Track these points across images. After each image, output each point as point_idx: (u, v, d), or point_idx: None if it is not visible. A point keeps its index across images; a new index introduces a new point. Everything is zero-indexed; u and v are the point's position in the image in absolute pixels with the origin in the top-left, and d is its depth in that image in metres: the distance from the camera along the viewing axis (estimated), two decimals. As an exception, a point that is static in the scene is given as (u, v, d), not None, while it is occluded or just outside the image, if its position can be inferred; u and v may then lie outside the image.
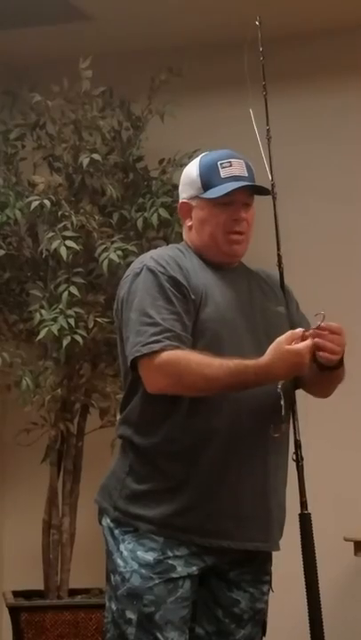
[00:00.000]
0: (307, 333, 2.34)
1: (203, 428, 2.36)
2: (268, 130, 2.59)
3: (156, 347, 2.32)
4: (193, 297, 2.39)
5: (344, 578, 4.39)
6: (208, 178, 2.47)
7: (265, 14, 2.66)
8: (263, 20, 2.63)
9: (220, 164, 2.47)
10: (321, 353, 2.35)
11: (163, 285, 2.38)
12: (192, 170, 2.51)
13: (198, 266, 2.47)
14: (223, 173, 2.46)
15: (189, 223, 2.52)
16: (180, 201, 2.54)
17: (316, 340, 2.34)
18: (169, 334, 2.33)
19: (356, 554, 4.12)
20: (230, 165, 2.47)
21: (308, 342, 2.32)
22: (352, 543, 4.10)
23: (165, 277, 2.39)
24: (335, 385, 2.49)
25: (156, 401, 2.39)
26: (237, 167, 2.47)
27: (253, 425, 2.38)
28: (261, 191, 2.50)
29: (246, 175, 2.48)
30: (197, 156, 2.56)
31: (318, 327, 2.35)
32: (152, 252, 2.51)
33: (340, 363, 2.43)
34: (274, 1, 4.28)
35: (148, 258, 2.46)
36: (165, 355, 2.31)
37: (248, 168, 2.50)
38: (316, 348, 2.34)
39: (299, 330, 2.36)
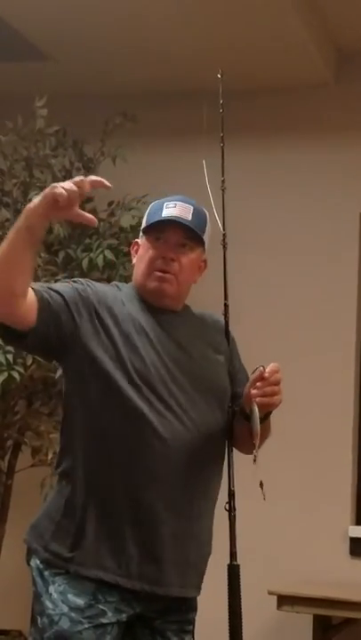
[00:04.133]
0: (253, 392, 2.32)
1: (132, 471, 2.33)
2: (223, 181, 2.60)
3: None
4: (113, 327, 2.36)
5: (266, 631, 4.39)
6: (151, 216, 2.48)
7: (223, 68, 2.69)
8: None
9: (166, 204, 2.47)
10: (265, 400, 2.33)
11: (75, 287, 2.36)
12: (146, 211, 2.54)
13: (136, 307, 2.44)
14: (165, 213, 2.45)
15: (134, 261, 2.52)
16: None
17: (265, 389, 2.33)
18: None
19: (278, 607, 4.12)
20: (174, 207, 2.45)
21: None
22: (275, 597, 4.11)
23: (78, 290, 2.36)
24: (263, 440, 2.47)
25: (93, 439, 2.35)
26: (181, 210, 2.44)
27: (182, 468, 2.35)
28: (195, 236, 2.46)
29: (188, 219, 2.44)
30: (148, 201, 2.57)
31: (262, 378, 2.33)
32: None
33: (269, 413, 2.41)
34: (233, 57, 4.37)
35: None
36: None
37: (195, 214, 2.46)
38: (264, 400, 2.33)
39: None
